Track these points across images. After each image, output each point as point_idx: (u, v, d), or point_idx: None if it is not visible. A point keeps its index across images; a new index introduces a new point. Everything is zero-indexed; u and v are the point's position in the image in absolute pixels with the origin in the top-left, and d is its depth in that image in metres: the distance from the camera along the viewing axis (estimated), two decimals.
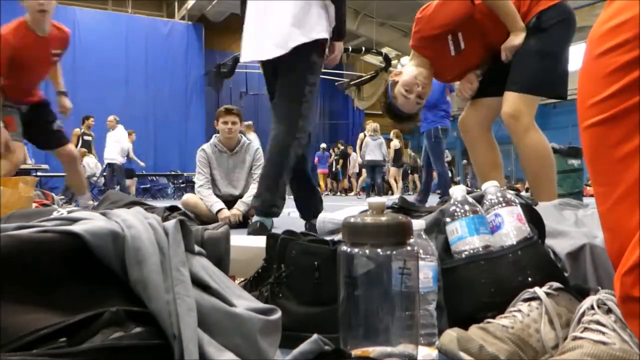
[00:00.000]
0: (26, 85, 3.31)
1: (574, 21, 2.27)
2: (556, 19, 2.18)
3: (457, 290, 0.97)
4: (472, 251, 1.00)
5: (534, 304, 0.84)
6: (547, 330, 0.80)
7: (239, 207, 3.50)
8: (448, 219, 1.05)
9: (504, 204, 1.05)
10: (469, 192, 1.09)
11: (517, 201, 1.07)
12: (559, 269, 1.02)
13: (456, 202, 1.05)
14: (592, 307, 0.74)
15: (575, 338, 0.70)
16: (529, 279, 0.94)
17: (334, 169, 16.84)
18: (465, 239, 1.01)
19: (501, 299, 0.91)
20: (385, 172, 11.28)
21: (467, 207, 1.03)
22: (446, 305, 0.95)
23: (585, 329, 0.70)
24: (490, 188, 1.10)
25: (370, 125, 10.60)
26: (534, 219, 1.10)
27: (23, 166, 8.40)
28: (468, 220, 1.02)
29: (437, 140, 5.91)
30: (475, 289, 0.97)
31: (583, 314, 0.74)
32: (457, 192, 1.06)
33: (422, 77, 2.27)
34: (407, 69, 2.33)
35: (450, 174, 9.36)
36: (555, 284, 0.86)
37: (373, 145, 10.10)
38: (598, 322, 0.71)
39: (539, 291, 0.85)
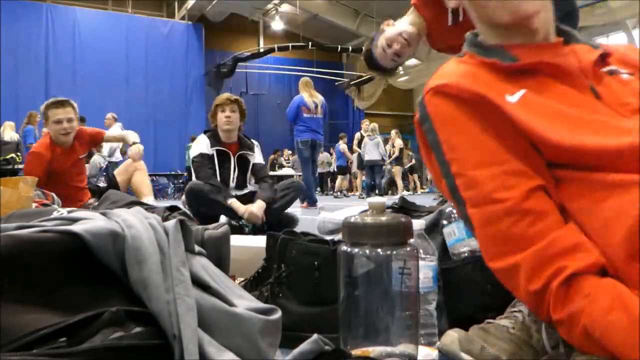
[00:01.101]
0: (66, 192, 3.48)
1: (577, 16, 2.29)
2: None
3: (456, 291, 0.97)
4: (469, 253, 1.00)
5: None
6: (548, 330, 0.80)
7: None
8: (445, 222, 1.04)
9: None
10: None
11: None
12: None
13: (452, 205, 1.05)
14: None
15: None
16: None
17: (334, 169, 16.82)
18: (463, 240, 1.01)
19: (500, 300, 0.90)
20: (384, 172, 11.27)
21: None
22: (446, 306, 0.95)
23: None
24: None
25: (367, 125, 10.59)
26: None
27: (22, 166, 8.41)
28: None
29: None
30: (474, 290, 0.96)
31: None
32: None
33: (407, 36, 2.22)
34: (399, 23, 2.29)
35: None
36: None
37: (371, 145, 10.09)
38: None
39: None
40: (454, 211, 1.04)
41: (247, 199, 3.11)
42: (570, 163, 0.71)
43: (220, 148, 3.19)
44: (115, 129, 9.41)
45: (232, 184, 3.21)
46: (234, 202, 2.98)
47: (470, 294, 0.97)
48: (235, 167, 3.24)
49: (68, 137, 3.37)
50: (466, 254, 1.01)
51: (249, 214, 2.88)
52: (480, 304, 0.95)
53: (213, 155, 3.19)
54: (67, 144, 3.42)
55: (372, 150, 10.02)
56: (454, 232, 1.02)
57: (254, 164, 3.29)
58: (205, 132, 3.38)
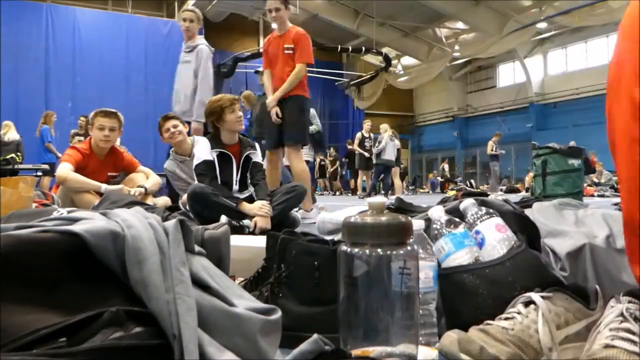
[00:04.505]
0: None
1: None
2: None
3: (451, 296, 0.96)
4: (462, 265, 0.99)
5: (532, 306, 0.84)
6: (545, 331, 0.80)
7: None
8: (433, 240, 1.03)
9: (481, 219, 1.05)
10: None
11: (492, 212, 1.07)
12: (548, 271, 1.01)
13: (436, 222, 1.04)
14: (621, 315, 0.72)
15: (607, 346, 0.69)
16: (519, 288, 0.93)
17: (342, 172, 16.94)
18: (452, 254, 1.00)
19: (493, 311, 0.90)
20: (391, 173, 11.34)
21: (448, 225, 1.03)
22: (444, 309, 0.95)
23: (615, 337, 0.69)
24: (468, 207, 1.10)
25: (369, 125, 10.73)
26: (523, 225, 1.10)
27: (22, 166, 8.41)
28: (452, 237, 1.01)
29: None
30: (465, 303, 0.96)
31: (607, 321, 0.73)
32: (436, 212, 1.06)
33: None
34: None
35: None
36: (550, 287, 0.86)
37: (391, 145, 10.36)
38: (629, 331, 0.69)
39: (534, 296, 0.84)
40: (438, 227, 1.03)
41: (248, 202, 3.10)
42: None
43: (222, 150, 3.15)
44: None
45: (236, 187, 3.19)
46: (243, 205, 2.98)
47: (459, 309, 0.96)
48: (238, 169, 3.21)
49: (107, 144, 3.54)
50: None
51: (259, 230, 2.89)
52: (476, 309, 0.94)
53: (214, 159, 3.15)
54: (103, 155, 3.55)
55: (389, 152, 10.26)
56: (444, 248, 1.01)
57: (253, 163, 3.26)
58: (205, 134, 3.34)
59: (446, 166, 19.76)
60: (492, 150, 12.97)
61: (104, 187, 3.29)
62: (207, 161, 3.10)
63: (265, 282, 1.06)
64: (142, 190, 3.37)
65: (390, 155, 10.33)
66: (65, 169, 3.29)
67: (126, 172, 3.67)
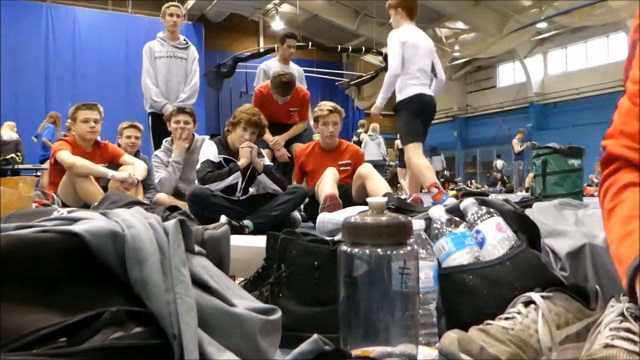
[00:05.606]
0: None
1: None
2: None
3: (452, 296, 0.96)
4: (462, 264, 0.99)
5: (532, 306, 0.84)
6: (545, 331, 0.80)
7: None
8: (434, 240, 1.04)
9: (482, 218, 1.05)
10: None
11: (492, 211, 1.07)
12: (549, 271, 1.01)
13: (437, 221, 1.04)
14: (621, 314, 0.72)
15: (607, 346, 0.69)
16: (519, 288, 0.93)
17: None
18: (453, 253, 1.00)
19: (493, 311, 0.90)
20: (386, 172, 11.26)
21: (448, 224, 1.03)
22: (444, 309, 0.95)
23: (615, 337, 0.69)
24: (468, 206, 1.10)
25: (369, 125, 10.64)
26: (523, 225, 1.10)
27: (22, 166, 8.41)
28: (452, 236, 1.01)
29: None
30: (465, 303, 0.96)
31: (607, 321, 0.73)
32: (436, 211, 1.06)
33: None
34: None
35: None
36: (550, 287, 0.86)
37: (372, 144, 10.13)
38: (629, 330, 0.69)
39: (534, 296, 0.84)
40: (439, 227, 1.03)
41: (249, 203, 3.09)
42: None
43: (228, 157, 3.11)
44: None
45: (239, 193, 3.17)
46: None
47: (465, 298, 0.96)
48: (245, 175, 3.17)
49: (93, 135, 3.57)
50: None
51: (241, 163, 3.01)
52: (477, 309, 0.94)
53: (220, 161, 3.12)
54: (89, 147, 3.55)
55: (373, 150, 10.07)
56: (444, 248, 1.01)
57: (265, 167, 3.25)
58: (211, 137, 3.31)
59: (499, 162, 17.55)
60: (519, 147, 12.56)
61: (110, 173, 3.32)
62: (210, 161, 3.08)
63: (265, 282, 1.06)
64: (135, 179, 3.38)
65: (373, 154, 10.16)
66: (69, 155, 3.31)
67: (112, 162, 3.66)
